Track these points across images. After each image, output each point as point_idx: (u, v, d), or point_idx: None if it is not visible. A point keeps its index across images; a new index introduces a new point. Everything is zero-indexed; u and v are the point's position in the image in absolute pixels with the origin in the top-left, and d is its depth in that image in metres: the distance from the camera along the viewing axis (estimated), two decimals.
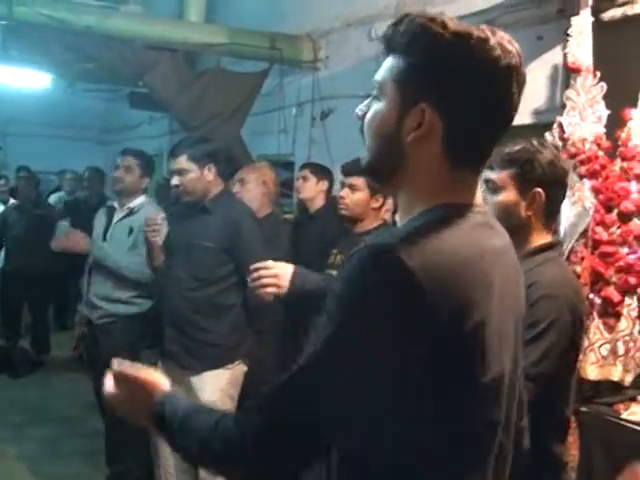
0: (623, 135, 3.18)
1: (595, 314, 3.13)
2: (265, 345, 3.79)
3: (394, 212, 3.29)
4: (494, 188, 1.97)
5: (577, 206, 3.18)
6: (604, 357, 3.12)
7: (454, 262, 1.09)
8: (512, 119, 1.20)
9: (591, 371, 3.11)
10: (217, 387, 3.49)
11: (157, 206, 4.21)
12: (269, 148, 6.74)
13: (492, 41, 1.13)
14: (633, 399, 3.01)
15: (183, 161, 3.48)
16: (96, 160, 9.07)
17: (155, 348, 3.84)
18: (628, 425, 2.84)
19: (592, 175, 3.21)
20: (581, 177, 3.20)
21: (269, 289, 2.42)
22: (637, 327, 3.12)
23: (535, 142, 2.00)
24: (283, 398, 1.12)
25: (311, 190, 4.46)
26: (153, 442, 3.84)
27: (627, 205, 3.12)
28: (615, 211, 3.17)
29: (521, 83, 1.17)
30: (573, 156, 3.21)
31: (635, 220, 3.12)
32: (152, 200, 4.31)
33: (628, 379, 3.09)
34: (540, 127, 3.48)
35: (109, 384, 1.41)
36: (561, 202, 2.05)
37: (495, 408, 1.15)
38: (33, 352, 7.11)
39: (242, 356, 3.57)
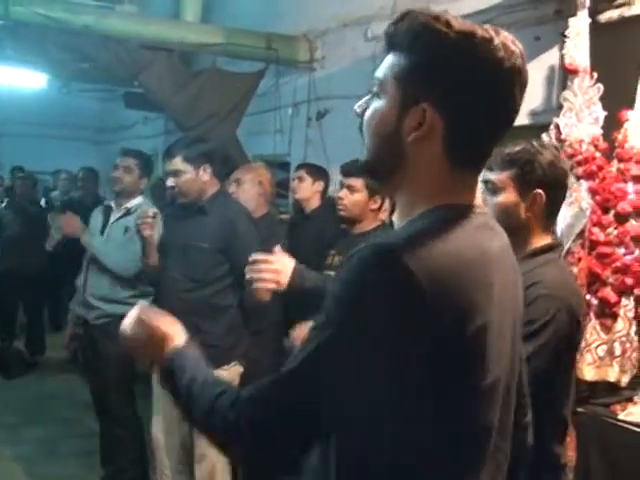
0: (620, 136, 3.18)
1: (592, 315, 3.13)
2: (261, 346, 3.79)
3: (391, 213, 3.29)
4: (494, 189, 1.96)
5: (574, 207, 3.18)
6: (601, 358, 3.13)
7: (457, 264, 1.08)
8: (513, 120, 1.19)
9: (588, 372, 3.11)
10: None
11: (153, 207, 4.19)
12: (265, 148, 6.74)
13: (496, 41, 1.12)
14: (630, 400, 3.01)
15: (178, 162, 3.47)
16: (91, 160, 9.08)
17: None
18: (625, 426, 2.84)
19: (589, 176, 3.21)
20: (578, 178, 3.20)
21: (268, 285, 2.35)
22: (634, 328, 3.12)
23: (535, 143, 1.99)
24: (280, 391, 1.11)
25: (307, 190, 4.46)
26: (149, 443, 3.84)
27: (624, 206, 3.12)
28: (612, 212, 3.18)
29: (523, 85, 1.17)
30: (570, 157, 3.22)
31: (632, 221, 3.12)
32: (148, 201, 4.29)
33: (625, 380, 3.10)
34: (537, 128, 3.48)
35: (129, 322, 1.41)
36: (561, 203, 2.05)
37: (491, 411, 1.15)
38: (28, 353, 7.09)
39: (238, 357, 3.55)
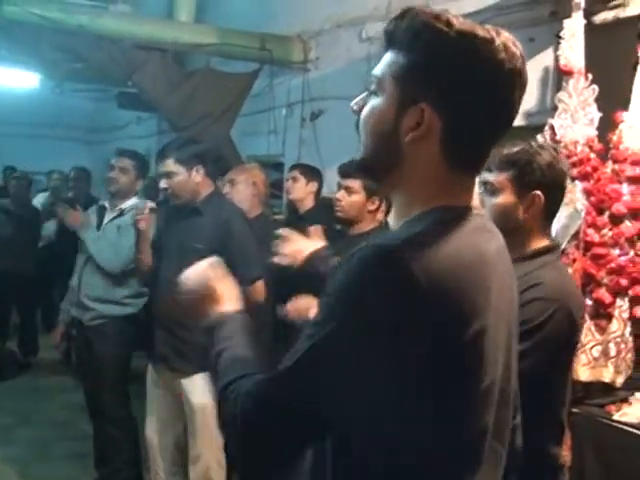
0: (615, 138, 3.20)
1: (587, 316, 3.14)
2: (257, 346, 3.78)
3: (386, 213, 3.30)
4: (492, 190, 1.95)
5: (569, 208, 3.19)
6: (595, 358, 3.13)
7: (456, 266, 1.08)
8: (512, 122, 1.19)
9: (582, 372, 3.11)
10: (208, 389, 3.47)
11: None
12: (259, 149, 6.74)
13: (497, 42, 1.11)
14: (624, 400, 3.02)
15: (170, 164, 3.46)
16: (84, 160, 9.04)
17: (145, 350, 3.82)
18: (619, 426, 2.85)
19: (584, 177, 3.22)
20: (573, 179, 3.21)
21: (284, 260, 2.43)
22: (628, 328, 3.13)
23: (534, 143, 1.99)
24: (277, 389, 1.10)
25: (301, 191, 4.45)
26: (143, 444, 3.83)
27: (618, 207, 3.13)
28: (607, 213, 3.19)
29: (523, 87, 1.16)
30: (565, 158, 3.22)
31: (626, 222, 3.13)
32: (142, 202, 4.28)
33: (619, 380, 3.11)
34: (531, 129, 3.49)
35: (194, 273, 1.46)
36: (559, 204, 2.04)
37: (487, 413, 1.15)
38: (20, 354, 7.06)
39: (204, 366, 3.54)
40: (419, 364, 1.03)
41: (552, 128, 3.35)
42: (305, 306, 2.91)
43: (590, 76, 3.28)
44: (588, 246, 3.19)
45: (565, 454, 2.73)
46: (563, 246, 3.15)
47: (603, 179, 3.19)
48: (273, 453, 1.13)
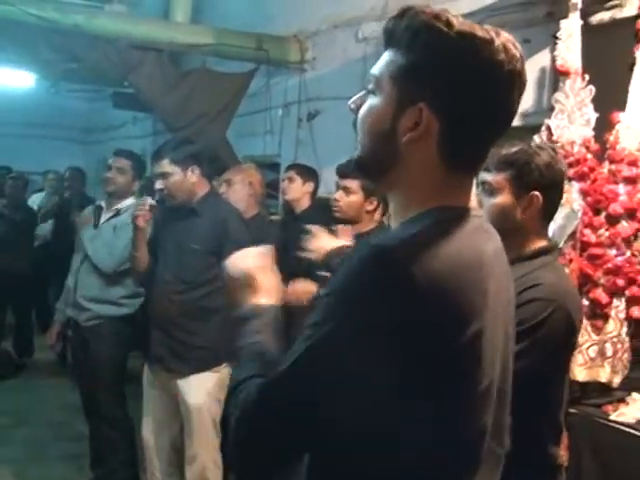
0: (611, 138, 3.20)
1: (583, 316, 3.14)
2: None
3: (383, 214, 3.30)
4: (490, 190, 1.95)
5: (565, 208, 3.18)
6: (592, 359, 3.14)
7: (455, 266, 1.07)
8: (510, 124, 1.18)
9: (579, 372, 3.12)
10: (204, 390, 3.48)
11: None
12: (255, 149, 6.74)
13: (497, 43, 1.11)
14: (621, 400, 3.02)
15: (165, 164, 3.46)
16: (79, 160, 9.03)
17: (141, 351, 3.82)
18: (616, 426, 2.85)
19: (580, 178, 3.22)
20: (569, 180, 3.21)
21: (307, 255, 2.54)
22: (625, 329, 3.14)
23: (533, 144, 1.99)
24: (274, 389, 1.10)
25: (297, 191, 4.45)
26: (139, 445, 3.83)
27: (615, 207, 3.13)
28: (603, 213, 3.18)
29: (522, 88, 1.16)
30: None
31: (623, 222, 3.13)
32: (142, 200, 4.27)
33: (616, 380, 3.11)
34: (528, 129, 3.49)
35: (242, 258, 1.44)
36: (558, 205, 2.04)
37: (486, 414, 1.15)
38: (16, 354, 7.04)
39: (229, 358, 3.55)
40: (417, 365, 1.03)
41: (549, 128, 3.35)
42: (304, 290, 2.93)
43: (587, 77, 3.29)
44: (585, 246, 3.19)
45: (562, 454, 2.73)
46: (560, 246, 3.15)
47: (600, 179, 3.20)
48: (271, 454, 1.12)
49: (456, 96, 1.11)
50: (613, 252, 3.14)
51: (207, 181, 3.65)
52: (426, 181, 1.16)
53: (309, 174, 4.52)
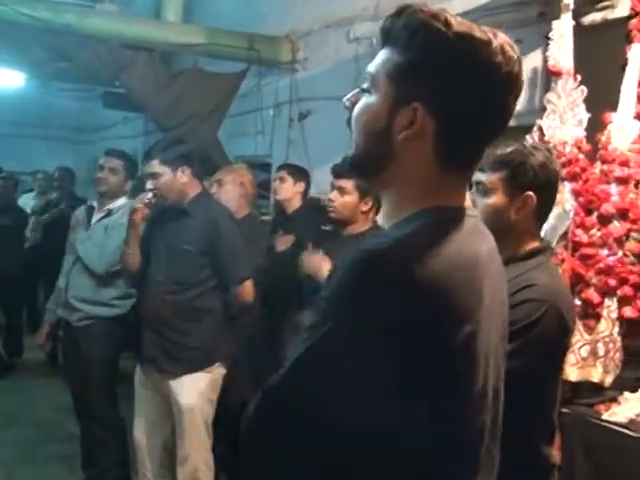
0: (603, 138, 3.20)
1: (576, 316, 3.15)
2: (243, 347, 3.78)
3: (376, 212, 3.30)
4: (484, 190, 1.94)
5: (558, 208, 3.18)
6: (584, 358, 3.14)
7: (449, 267, 1.07)
8: (506, 125, 1.18)
9: (571, 372, 3.12)
10: (196, 391, 3.47)
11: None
12: (246, 149, 6.73)
13: (494, 44, 1.10)
14: (613, 400, 3.03)
15: (156, 165, 3.46)
16: (69, 160, 9.00)
17: (133, 351, 3.81)
18: (609, 426, 2.85)
19: (572, 178, 3.22)
20: (562, 180, 3.21)
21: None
22: (616, 328, 3.14)
23: (527, 144, 1.99)
24: (274, 393, 1.09)
25: (288, 191, 4.44)
26: (131, 445, 3.82)
27: (607, 208, 3.14)
28: (595, 214, 3.19)
29: (519, 91, 1.16)
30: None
31: (615, 222, 3.14)
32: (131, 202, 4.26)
33: (608, 380, 3.11)
34: (519, 130, 3.48)
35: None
36: (552, 206, 2.04)
37: (483, 414, 1.15)
38: (5, 354, 7.01)
39: (221, 359, 3.54)
40: (416, 365, 1.03)
41: (540, 129, 3.35)
42: (319, 262, 2.94)
43: (579, 77, 3.29)
44: (577, 246, 3.20)
45: (555, 454, 2.74)
46: (552, 246, 3.16)
47: (592, 180, 3.20)
48: (272, 456, 1.12)
49: (453, 96, 1.11)
50: (605, 252, 3.15)
51: (198, 181, 3.64)
52: (421, 180, 1.15)
53: (300, 174, 4.51)
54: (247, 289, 3.52)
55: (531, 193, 1.93)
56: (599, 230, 3.17)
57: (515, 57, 1.13)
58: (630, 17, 3.27)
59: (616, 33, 3.33)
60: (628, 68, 3.20)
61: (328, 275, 1.17)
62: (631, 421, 2.79)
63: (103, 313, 3.99)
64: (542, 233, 3.07)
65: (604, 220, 3.16)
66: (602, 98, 3.25)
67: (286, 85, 6.34)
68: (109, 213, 4.08)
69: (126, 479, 4.06)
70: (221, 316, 3.53)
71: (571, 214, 3.20)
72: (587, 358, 3.14)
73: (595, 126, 3.25)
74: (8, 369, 6.76)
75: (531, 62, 3.88)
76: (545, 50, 3.46)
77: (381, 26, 1.18)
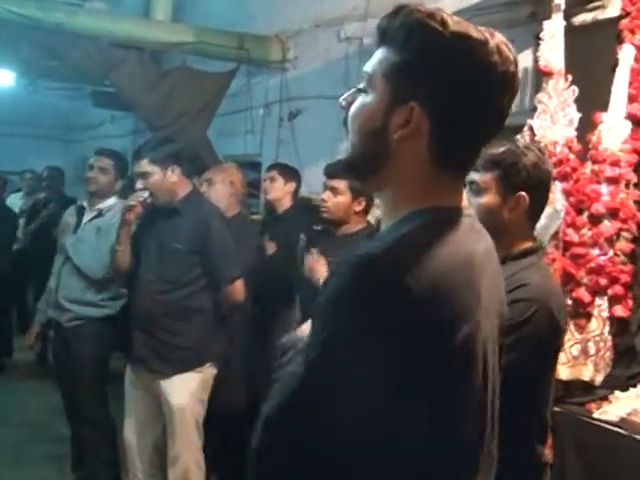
0: (594, 138, 3.21)
1: (567, 316, 3.16)
2: (234, 347, 3.77)
3: (366, 212, 3.30)
4: (477, 190, 1.95)
5: (548, 208, 3.19)
6: (575, 357, 3.15)
7: (449, 268, 1.07)
8: (502, 125, 1.18)
9: (562, 371, 3.13)
10: (187, 391, 3.46)
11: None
12: (236, 148, 6.72)
13: (491, 44, 1.11)
14: (604, 398, 3.04)
15: (145, 164, 3.45)
16: (58, 159, 8.95)
17: (123, 352, 3.80)
18: (600, 424, 2.86)
19: (563, 178, 3.23)
20: (553, 179, 3.22)
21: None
22: (607, 327, 3.15)
23: (519, 144, 1.99)
24: (285, 420, 1.09)
25: (279, 191, 4.44)
26: (121, 446, 3.80)
27: (598, 207, 3.15)
28: (586, 213, 3.20)
29: (515, 90, 1.16)
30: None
31: (605, 222, 3.14)
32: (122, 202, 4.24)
33: (599, 379, 3.12)
34: (510, 130, 3.49)
35: None
36: (544, 206, 2.05)
37: (483, 414, 1.15)
38: None
39: (212, 359, 3.54)
40: (416, 367, 1.03)
41: (531, 129, 3.36)
42: (323, 267, 2.95)
43: (570, 77, 3.29)
44: (567, 246, 3.21)
45: (547, 452, 2.75)
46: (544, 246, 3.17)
47: (582, 179, 3.21)
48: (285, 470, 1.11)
49: (449, 96, 1.11)
50: (596, 251, 3.15)
51: (188, 180, 3.63)
52: (416, 180, 1.15)
53: (291, 174, 4.50)
54: (238, 288, 3.52)
55: (524, 193, 1.93)
56: (590, 230, 3.18)
57: (511, 57, 1.13)
58: (621, 17, 3.28)
59: (607, 33, 3.34)
60: (619, 68, 3.21)
61: (324, 281, 1.16)
62: (622, 419, 2.80)
63: (93, 314, 3.98)
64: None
65: (595, 220, 3.17)
66: (593, 98, 3.26)
67: (276, 84, 6.33)
68: (100, 213, 4.06)
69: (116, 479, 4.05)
70: (212, 316, 3.52)
71: (562, 214, 3.21)
72: (578, 357, 3.15)
73: (586, 126, 3.25)
74: None
75: (522, 62, 3.84)
76: (536, 50, 3.45)
77: (377, 26, 1.18)
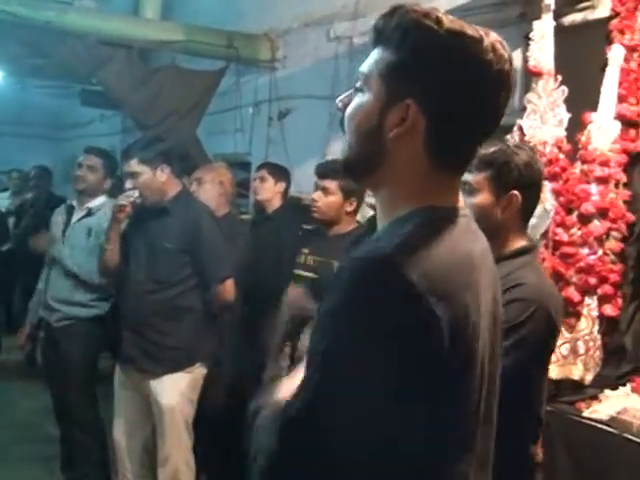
0: (583, 138, 3.22)
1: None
2: (224, 347, 3.77)
3: (355, 213, 3.30)
4: (470, 190, 1.95)
5: (538, 207, 3.20)
6: (564, 356, 3.16)
7: (447, 269, 1.07)
8: (498, 124, 1.19)
9: (552, 370, 3.12)
10: (177, 391, 3.46)
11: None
12: (225, 148, 6.71)
13: (486, 42, 1.11)
14: (594, 397, 3.05)
15: (134, 164, 3.45)
16: (46, 158, 8.91)
17: (112, 352, 3.79)
18: (590, 423, 2.87)
19: (553, 177, 3.24)
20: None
21: None
22: (596, 326, 3.16)
23: (511, 143, 2.00)
24: (293, 427, 1.08)
25: (269, 191, 4.42)
26: (111, 446, 3.79)
27: (587, 207, 3.16)
28: (575, 213, 3.21)
29: (510, 89, 1.16)
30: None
31: (595, 222, 3.15)
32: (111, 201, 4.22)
33: (588, 378, 3.13)
34: (500, 129, 3.48)
35: None
36: (536, 204, 2.06)
37: (480, 416, 1.15)
38: None
39: (202, 359, 3.53)
40: (412, 369, 1.02)
41: (521, 129, 3.36)
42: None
43: (559, 77, 3.30)
44: (557, 245, 3.22)
45: (538, 451, 2.76)
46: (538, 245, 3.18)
47: (572, 179, 3.22)
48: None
49: (444, 93, 1.11)
50: (585, 251, 3.16)
51: (178, 180, 3.62)
52: (412, 179, 1.15)
53: (281, 173, 4.49)
54: (228, 288, 3.52)
55: (516, 192, 1.94)
56: (579, 229, 3.19)
57: (506, 55, 1.14)
58: (610, 18, 3.29)
59: (596, 34, 3.35)
60: (608, 68, 3.22)
61: (322, 286, 1.16)
62: (612, 418, 2.81)
63: (81, 314, 3.97)
64: None
65: (584, 219, 3.17)
66: (582, 98, 3.27)
67: (265, 83, 6.32)
68: (89, 212, 4.05)
69: None
70: (202, 315, 3.52)
71: (551, 213, 3.22)
72: (567, 356, 3.16)
73: (575, 126, 3.26)
74: None
75: None
76: (526, 50, 3.46)
77: (373, 26, 1.18)
